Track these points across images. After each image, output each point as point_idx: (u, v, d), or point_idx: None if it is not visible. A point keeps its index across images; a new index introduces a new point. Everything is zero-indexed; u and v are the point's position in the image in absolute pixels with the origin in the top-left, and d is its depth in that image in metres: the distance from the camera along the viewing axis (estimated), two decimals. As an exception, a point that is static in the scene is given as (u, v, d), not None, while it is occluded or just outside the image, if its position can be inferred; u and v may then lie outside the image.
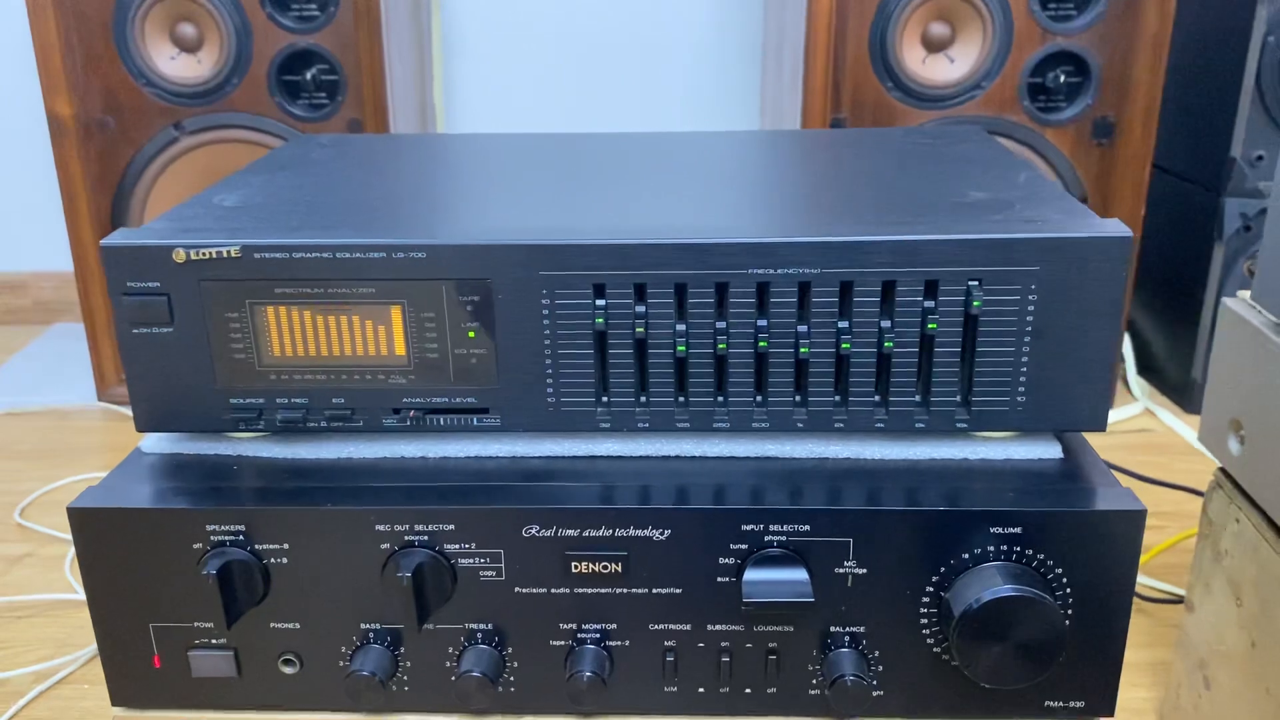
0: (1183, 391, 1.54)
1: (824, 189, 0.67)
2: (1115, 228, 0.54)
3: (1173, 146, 1.53)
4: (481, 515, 0.54)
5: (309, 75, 1.43)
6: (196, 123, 1.45)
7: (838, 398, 0.57)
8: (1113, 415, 1.49)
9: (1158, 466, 1.34)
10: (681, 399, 0.57)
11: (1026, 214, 0.57)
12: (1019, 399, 0.56)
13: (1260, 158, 1.43)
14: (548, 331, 0.56)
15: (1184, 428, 1.46)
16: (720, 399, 0.57)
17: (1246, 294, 0.84)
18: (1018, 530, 0.53)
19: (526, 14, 1.74)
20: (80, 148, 1.45)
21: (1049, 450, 0.58)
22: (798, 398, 0.57)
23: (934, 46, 1.39)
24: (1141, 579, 1.12)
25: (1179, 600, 1.09)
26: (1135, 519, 0.53)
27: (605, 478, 0.57)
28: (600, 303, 0.55)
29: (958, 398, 0.56)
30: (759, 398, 0.57)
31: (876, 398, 0.57)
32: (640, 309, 0.55)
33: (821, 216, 0.60)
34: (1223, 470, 0.86)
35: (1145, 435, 1.46)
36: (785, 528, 0.53)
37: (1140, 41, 1.37)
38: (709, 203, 0.64)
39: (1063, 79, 1.38)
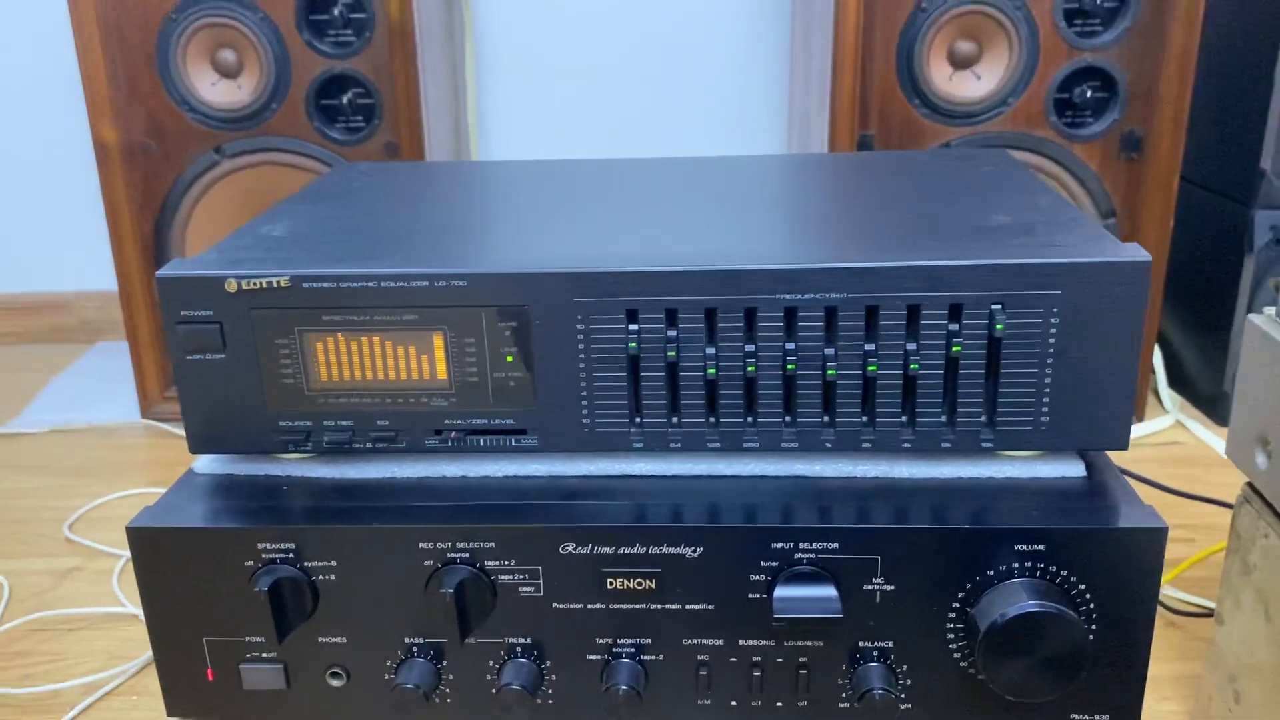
0: (1213, 404, 1.54)
1: (849, 214, 0.69)
2: (1134, 252, 0.55)
3: (1202, 160, 1.53)
4: (520, 533, 0.56)
5: (346, 99, 1.47)
6: (236, 147, 1.49)
7: (865, 418, 0.59)
8: (1143, 428, 1.49)
9: (1188, 479, 1.34)
10: (712, 420, 0.59)
11: (1048, 239, 0.58)
12: (1042, 419, 0.57)
13: (1290, 170, 1.43)
14: (583, 355, 0.58)
15: (1215, 440, 1.46)
16: (750, 420, 0.59)
17: (1272, 310, 0.85)
18: (1042, 547, 0.54)
19: (557, 38, 1.77)
20: (124, 172, 1.49)
21: (1072, 469, 0.59)
22: (826, 418, 0.59)
23: (960, 63, 1.40)
24: (1171, 592, 1.12)
25: (1209, 614, 1.09)
26: (1157, 536, 0.54)
27: (639, 496, 0.58)
28: (633, 328, 0.57)
29: (982, 418, 0.58)
30: (788, 418, 0.59)
31: (903, 418, 0.58)
32: (672, 333, 0.57)
33: (847, 242, 0.62)
34: (1250, 485, 0.87)
35: (1176, 448, 1.46)
36: (814, 545, 0.55)
37: (1167, 55, 1.38)
38: (738, 229, 0.66)
39: (1090, 94, 1.39)
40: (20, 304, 1.92)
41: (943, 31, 1.38)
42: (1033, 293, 0.55)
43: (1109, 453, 0.61)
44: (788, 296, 0.56)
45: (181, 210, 1.52)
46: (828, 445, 0.59)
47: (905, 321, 0.56)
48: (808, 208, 0.72)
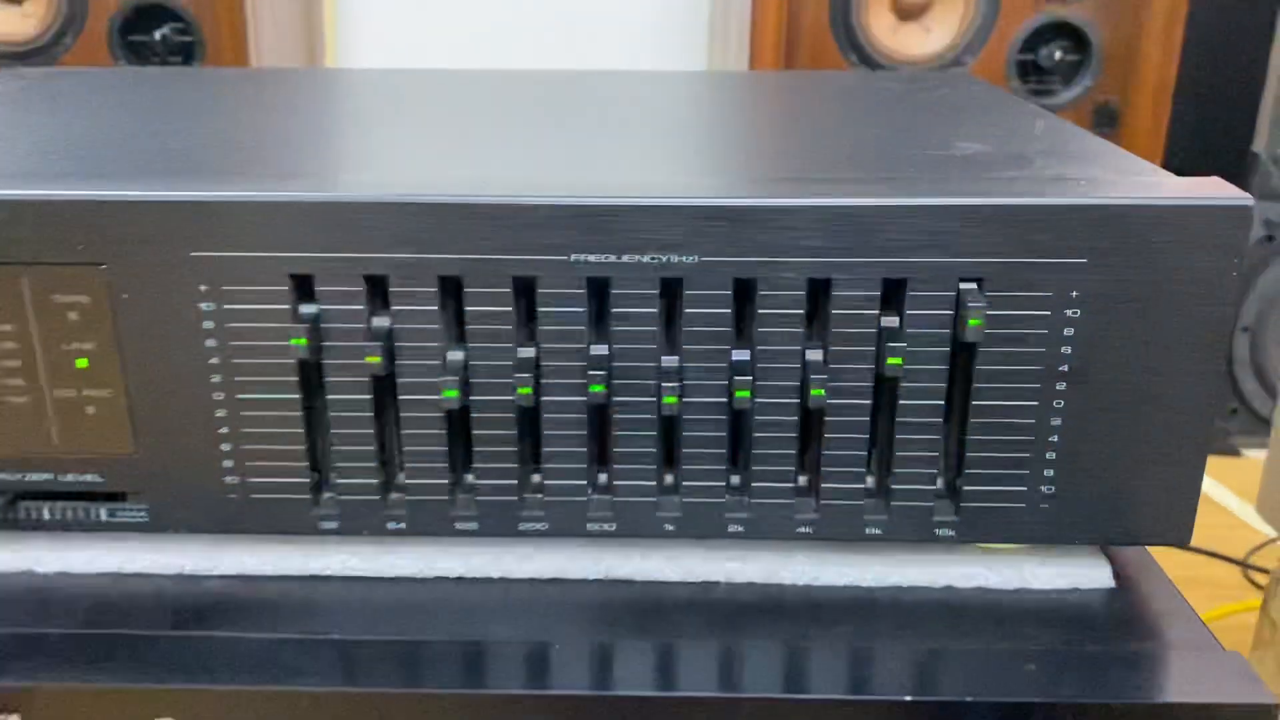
0: (1192, 428, 1.32)
1: (727, 136, 0.44)
2: (1219, 191, 0.30)
3: (1185, 139, 1.31)
4: (63, 697, 0.29)
5: (159, 35, 1.19)
6: (20, 89, 1.20)
7: (735, 480, 0.33)
8: (1112, 455, 1.26)
9: (1168, 520, 1.11)
10: (451, 479, 0.33)
11: (1056, 170, 0.33)
12: (1043, 490, 0.32)
13: (1287, 155, 1.22)
14: (216, 359, 0.31)
15: (1196, 471, 1.24)
16: (525, 477, 0.33)
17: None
18: (1044, 734, 0.29)
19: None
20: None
21: (1093, 575, 0.34)
22: (655, 481, 0.33)
23: (907, 13, 1.16)
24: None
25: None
26: (1259, 718, 0.29)
27: (315, 618, 0.32)
28: (306, 309, 0.31)
29: (936, 485, 0.32)
30: (600, 477, 0.33)
31: (797, 481, 0.33)
32: (381, 321, 0.31)
33: (707, 169, 0.36)
34: (1294, 556, 0.63)
35: (1151, 480, 1.24)
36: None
37: (1150, 14, 1.16)
38: (525, 146, 0.40)
39: (1059, 55, 1.17)
40: None
41: (887, -28, 1.14)
42: (1035, 260, 0.30)
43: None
44: (589, 258, 0.30)
45: (-47, 167, 1.23)
46: (667, 528, 0.33)
47: (804, 310, 0.31)
48: (663, 127, 0.46)
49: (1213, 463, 1.32)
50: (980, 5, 1.14)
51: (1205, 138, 1.29)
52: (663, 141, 0.41)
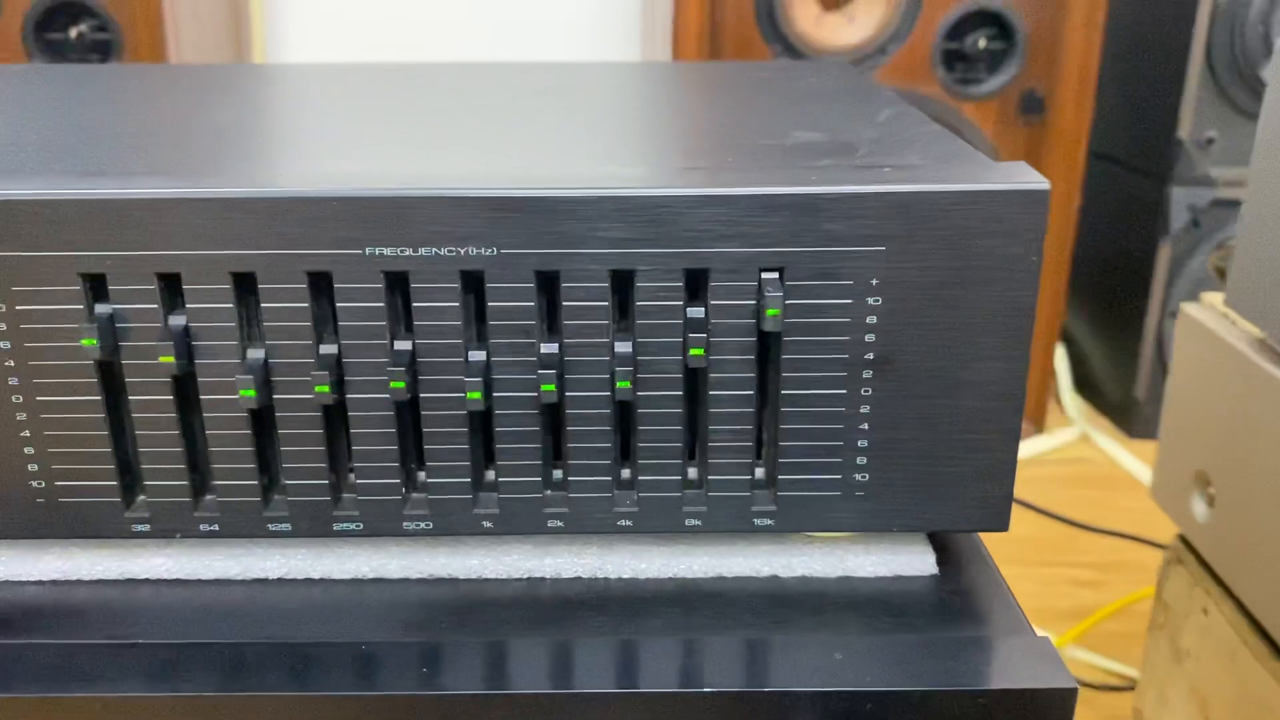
0: (1125, 412, 1.32)
1: (559, 127, 0.43)
2: (1021, 175, 0.30)
3: (1111, 127, 1.32)
4: None
5: (75, 33, 1.17)
6: (-66, 90, 1.18)
7: (557, 474, 0.33)
8: (1045, 441, 1.27)
9: (1096, 504, 1.12)
10: (262, 480, 0.33)
11: (874, 159, 0.33)
12: (857, 478, 0.32)
13: (1211, 140, 1.22)
14: (12, 362, 0.31)
15: (1126, 456, 1.25)
16: (336, 477, 0.33)
17: (1214, 297, 0.61)
18: (852, 724, 0.29)
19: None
20: None
21: (915, 563, 0.34)
22: (471, 478, 0.32)
23: (830, 2, 1.16)
24: (1080, 655, 0.89)
25: (1131, 686, 0.86)
26: (1060, 702, 0.29)
27: (130, 622, 0.32)
28: (102, 309, 0.30)
29: (754, 475, 0.32)
30: (417, 475, 0.33)
31: (621, 474, 0.32)
32: (177, 320, 0.30)
33: (515, 159, 0.36)
34: (1183, 539, 0.63)
35: (1081, 465, 1.24)
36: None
37: (1073, 1, 1.16)
38: (351, 141, 0.39)
39: (984, 44, 1.16)
40: None
41: (809, -37, 1.14)
42: (834, 249, 0.29)
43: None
44: (380, 251, 0.30)
45: None
46: (486, 525, 0.33)
47: (604, 301, 0.30)
48: (506, 118, 0.45)
49: (1142, 447, 1.33)
50: (903, -6, 1.14)
51: (1131, 125, 1.29)
52: (486, 132, 0.40)
